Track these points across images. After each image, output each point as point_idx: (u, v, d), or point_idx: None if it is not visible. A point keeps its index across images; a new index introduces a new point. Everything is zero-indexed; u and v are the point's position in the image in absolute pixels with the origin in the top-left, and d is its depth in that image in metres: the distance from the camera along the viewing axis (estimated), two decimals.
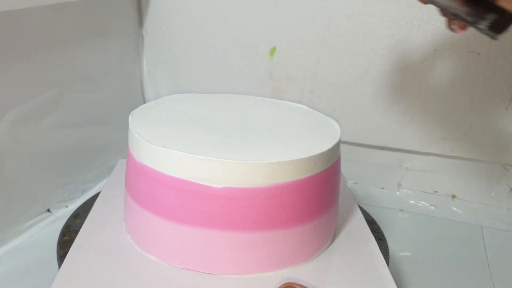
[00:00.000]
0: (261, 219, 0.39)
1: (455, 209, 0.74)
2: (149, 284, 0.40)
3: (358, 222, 0.51)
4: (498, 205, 0.72)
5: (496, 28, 0.39)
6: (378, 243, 0.48)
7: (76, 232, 0.46)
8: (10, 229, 0.59)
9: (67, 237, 0.49)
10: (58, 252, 0.47)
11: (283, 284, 0.38)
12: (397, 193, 0.77)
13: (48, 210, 0.66)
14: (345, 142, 0.75)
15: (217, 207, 0.39)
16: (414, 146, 0.74)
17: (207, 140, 0.42)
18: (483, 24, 0.40)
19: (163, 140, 0.41)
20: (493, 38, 0.40)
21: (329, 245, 0.47)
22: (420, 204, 0.75)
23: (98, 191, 0.56)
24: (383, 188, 0.77)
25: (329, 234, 0.46)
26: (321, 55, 0.72)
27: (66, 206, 0.67)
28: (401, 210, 0.75)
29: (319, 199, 0.43)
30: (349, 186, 0.71)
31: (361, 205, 0.60)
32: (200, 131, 0.44)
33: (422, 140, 0.73)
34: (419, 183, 0.76)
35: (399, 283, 0.58)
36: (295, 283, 0.38)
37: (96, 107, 0.72)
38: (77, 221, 0.52)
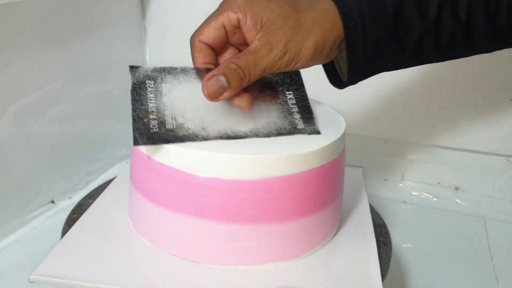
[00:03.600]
0: (245, 212, 0.39)
1: (458, 201, 0.74)
2: (135, 264, 0.41)
3: (362, 218, 0.50)
4: (502, 197, 0.72)
5: None
6: (381, 239, 0.47)
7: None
8: (14, 220, 0.60)
9: (76, 215, 0.49)
10: (63, 229, 0.48)
11: None
12: (400, 184, 0.77)
13: (52, 202, 0.66)
14: (349, 134, 0.74)
15: (201, 196, 0.39)
16: (418, 138, 0.74)
17: None
18: None
19: None
20: None
21: (326, 243, 0.45)
22: (423, 196, 0.75)
23: (102, 182, 0.56)
24: (386, 179, 0.77)
25: (323, 233, 0.45)
26: None
27: (70, 198, 0.68)
28: (404, 201, 0.75)
29: (310, 196, 0.41)
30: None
31: None
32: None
33: (425, 132, 0.73)
34: (422, 175, 0.76)
35: (401, 274, 0.59)
36: None
37: (99, 99, 0.72)
38: (90, 201, 0.52)
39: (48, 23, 0.60)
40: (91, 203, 0.51)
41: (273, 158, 0.38)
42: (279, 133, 0.41)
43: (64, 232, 0.47)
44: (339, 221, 0.49)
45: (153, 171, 0.40)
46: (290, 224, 0.41)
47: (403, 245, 0.63)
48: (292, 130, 0.41)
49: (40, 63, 0.60)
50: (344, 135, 0.45)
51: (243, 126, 0.41)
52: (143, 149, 0.41)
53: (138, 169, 0.43)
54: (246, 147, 0.39)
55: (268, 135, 0.40)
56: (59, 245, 0.42)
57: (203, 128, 0.39)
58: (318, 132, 0.41)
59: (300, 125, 0.42)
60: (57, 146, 0.65)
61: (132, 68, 0.42)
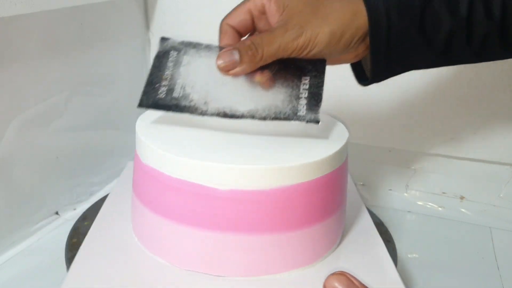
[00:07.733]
0: (267, 222, 0.39)
1: (463, 210, 0.73)
2: (157, 286, 0.40)
3: (365, 224, 0.51)
4: (507, 206, 0.72)
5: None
6: (386, 244, 0.48)
7: (84, 235, 0.46)
8: (18, 232, 0.60)
9: (75, 240, 0.49)
10: (66, 254, 0.47)
11: (336, 272, 0.37)
12: (405, 194, 0.76)
13: (57, 213, 0.66)
14: (352, 143, 0.74)
15: (222, 209, 0.39)
16: (422, 147, 0.74)
17: (213, 143, 0.42)
18: None
19: (170, 143, 0.41)
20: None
21: (337, 247, 0.46)
22: (428, 206, 0.75)
23: (106, 193, 0.56)
24: (390, 189, 0.77)
25: (336, 236, 0.46)
26: None
27: (74, 209, 0.68)
28: (409, 211, 0.74)
29: (326, 201, 0.42)
30: (357, 188, 0.70)
31: (369, 207, 0.60)
32: (207, 134, 0.44)
33: (430, 141, 0.73)
34: (427, 184, 0.75)
35: (407, 285, 0.58)
36: (347, 273, 0.37)
37: (103, 110, 0.72)
38: (85, 223, 0.52)
39: (53, 36, 0.61)
40: (87, 225, 0.50)
41: (288, 168, 0.38)
42: (276, 117, 0.40)
43: (68, 258, 0.46)
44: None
45: (169, 187, 0.40)
46: (309, 230, 0.42)
47: (409, 255, 0.63)
48: (291, 116, 0.41)
49: (44, 75, 0.60)
50: (348, 140, 0.46)
51: (244, 106, 0.41)
52: (157, 165, 0.40)
53: (149, 186, 0.42)
54: (261, 158, 0.39)
55: (264, 118, 0.41)
56: (70, 276, 0.40)
57: (205, 102, 0.41)
58: (317, 122, 0.40)
59: (302, 111, 0.41)
60: (61, 157, 0.65)
61: (163, 39, 0.45)
